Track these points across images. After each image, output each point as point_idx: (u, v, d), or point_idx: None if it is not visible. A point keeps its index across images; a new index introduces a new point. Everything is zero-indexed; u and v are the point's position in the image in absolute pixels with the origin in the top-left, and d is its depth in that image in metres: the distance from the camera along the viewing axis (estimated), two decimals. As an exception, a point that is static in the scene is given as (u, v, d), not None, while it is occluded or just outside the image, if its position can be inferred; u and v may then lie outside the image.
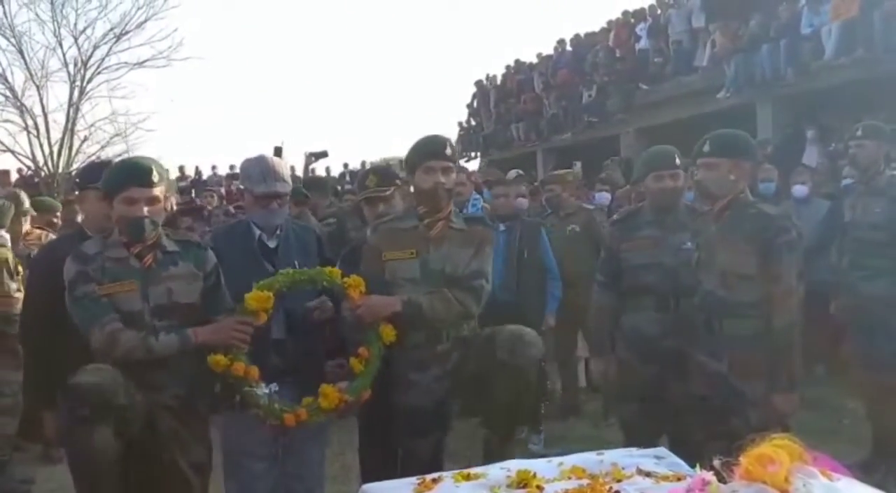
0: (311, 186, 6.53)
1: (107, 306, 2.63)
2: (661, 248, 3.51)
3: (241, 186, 3.32)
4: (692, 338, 3.30)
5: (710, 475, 1.31)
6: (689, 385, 3.29)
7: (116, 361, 2.55)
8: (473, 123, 21.46)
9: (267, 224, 3.05)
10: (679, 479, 1.71)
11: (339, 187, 13.41)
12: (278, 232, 3.08)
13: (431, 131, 3.30)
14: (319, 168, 14.79)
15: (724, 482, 1.30)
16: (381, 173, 3.53)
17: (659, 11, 14.87)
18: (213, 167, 19.38)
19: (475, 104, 21.60)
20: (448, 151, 3.06)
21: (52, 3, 15.74)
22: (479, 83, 21.50)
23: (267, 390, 2.79)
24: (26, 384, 3.25)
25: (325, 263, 3.10)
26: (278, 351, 2.98)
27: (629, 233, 3.62)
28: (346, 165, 19.68)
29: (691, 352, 3.29)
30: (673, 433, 3.48)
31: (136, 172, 2.67)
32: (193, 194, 13.89)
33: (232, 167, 16.94)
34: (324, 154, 11.85)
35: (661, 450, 1.95)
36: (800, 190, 6.17)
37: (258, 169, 3.04)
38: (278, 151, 12.85)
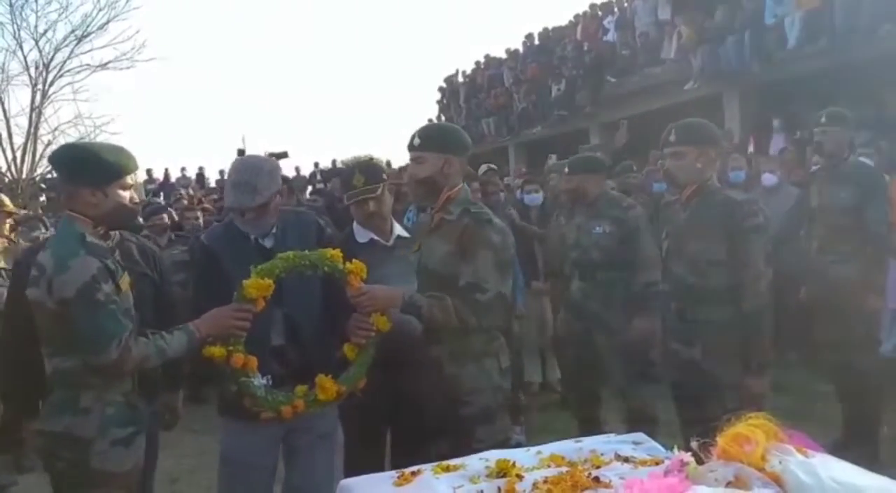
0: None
1: (129, 314, 2.41)
2: (582, 232, 4.47)
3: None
4: (606, 303, 4.37)
5: (687, 456, 1.32)
6: (611, 339, 4.33)
7: (123, 374, 2.39)
8: (444, 118, 21.48)
9: (250, 232, 2.89)
10: (657, 463, 1.72)
11: (311, 186, 13.35)
12: (273, 231, 2.93)
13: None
14: (287, 168, 14.66)
15: (702, 463, 1.31)
16: (368, 171, 3.26)
17: (626, 4, 15.00)
18: (183, 169, 19.22)
19: (445, 100, 21.62)
20: (416, 141, 2.89)
21: (10, 5, 15.43)
22: (448, 79, 21.54)
23: (264, 382, 2.68)
24: (6, 393, 3.19)
25: (326, 246, 2.88)
26: (278, 358, 2.83)
27: (568, 220, 4.64)
28: (316, 164, 19.61)
29: (606, 312, 4.35)
30: (599, 377, 4.50)
31: (132, 157, 2.52)
32: (162, 197, 13.75)
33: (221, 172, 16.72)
34: (284, 154, 11.82)
35: (640, 435, 1.96)
36: (769, 178, 6.26)
37: (231, 178, 2.87)
38: (241, 154, 12.78)
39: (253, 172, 2.80)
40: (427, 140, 2.86)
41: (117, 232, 3.07)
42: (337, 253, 2.73)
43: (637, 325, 4.27)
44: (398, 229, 3.35)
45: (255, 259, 2.75)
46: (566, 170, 4.68)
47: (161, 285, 3.32)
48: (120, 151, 2.50)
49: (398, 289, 2.78)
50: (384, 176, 3.33)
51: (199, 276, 3.05)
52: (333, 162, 18.64)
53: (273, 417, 2.67)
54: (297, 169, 17.38)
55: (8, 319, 3.11)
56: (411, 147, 2.90)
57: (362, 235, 3.29)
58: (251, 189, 2.76)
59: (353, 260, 2.72)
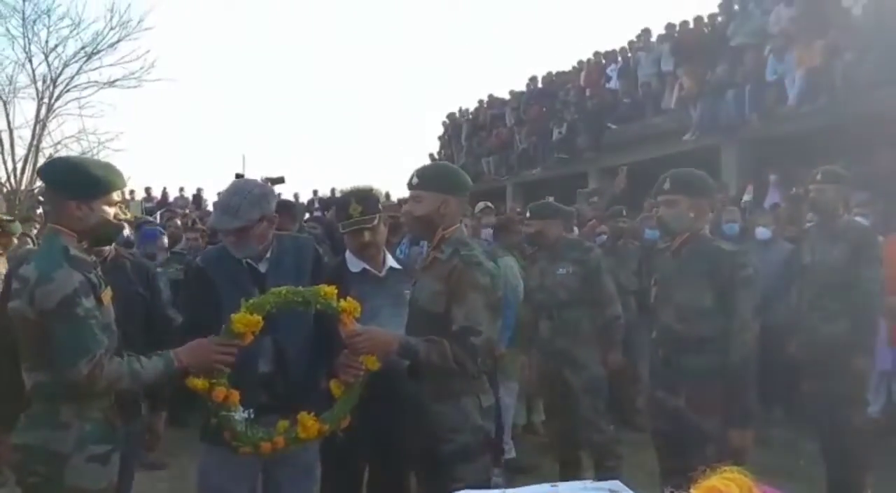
0: (278, 210, 6.52)
1: (107, 331, 2.38)
2: (545, 275, 4.70)
3: None
4: (575, 339, 4.58)
5: (660, 507, 1.29)
6: (579, 374, 4.53)
7: (93, 392, 2.33)
8: (445, 154, 21.60)
9: (240, 255, 2.81)
10: (631, 513, 1.69)
11: (308, 213, 13.37)
12: (268, 255, 2.85)
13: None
14: (285, 194, 14.70)
15: (674, 515, 1.28)
16: (365, 201, 3.25)
17: (629, 54, 15.19)
18: (181, 189, 19.24)
19: (447, 136, 21.76)
20: (414, 180, 2.91)
21: (23, 19, 15.63)
22: (451, 116, 21.70)
23: (245, 415, 2.58)
24: None
25: (320, 279, 2.84)
26: (264, 385, 2.75)
27: (531, 265, 5.00)
28: (315, 192, 19.66)
29: (574, 349, 4.56)
30: (574, 417, 4.58)
31: (120, 174, 2.53)
32: (159, 217, 13.74)
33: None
34: (280, 180, 11.80)
35: (616, 483, 1.93)
36: (762, 232, 6.28)
37: (218, 199, 2.85)
38: (238, 178, 12.80)
39: (238, 195, 2.76)
40: (426, 180, 2.88)
41: (112, 248, 3.09)
42: (331, 290, 2.65)
43: (611, 359, 4.69)
44: (390, 261, 3.36)
45: (247, 284, 2.74)
46: (527, 215, 5.01)
47: (153, 305, 3.29)
48: (108, 167, 2.53)
49: (393, 333, 2.75)
50: (380, 207, 3.33)
51: (191, 296, 3.01)
52: (332, 191, 18.70)
53: (251, 452, 2.60)
54: (297, 196, 17.43)
55: None
56: (410, 186, 2.93)
57: (355, 264, 3.29)
58: (232, 212, 2.72)
59: (348, 298, 2.65)
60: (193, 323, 2.73)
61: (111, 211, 2.45)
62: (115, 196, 2.47)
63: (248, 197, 2.75)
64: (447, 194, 2.85)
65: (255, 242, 2.80)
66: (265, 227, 2.81)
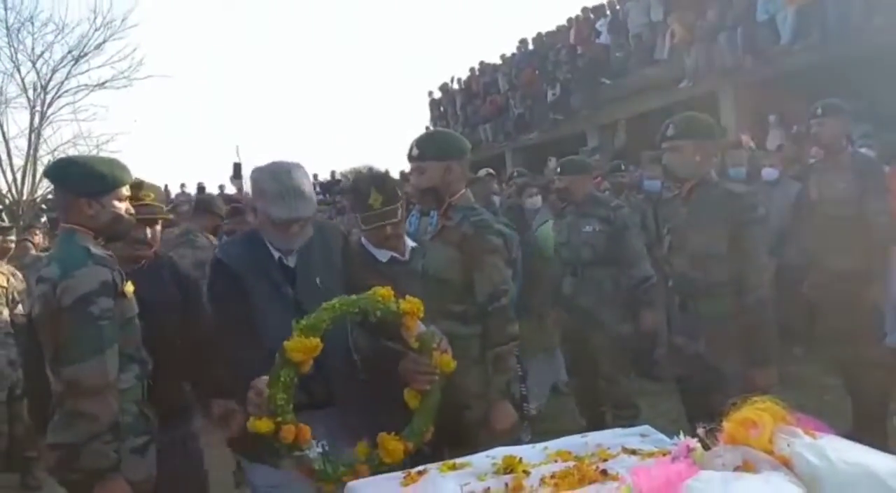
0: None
1: (128, 326, 2.37)
2: (572, 230, 4.64)
3: (254, 202, 2.51)
4: (598, 298, 4.49)
5: (693, 442, 1.31)
6: (601, 334, 4.46)
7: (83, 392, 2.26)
8: (440, 125, 21.50)
9: (286, 248, 2.51)
10: (664, 455, 1.70)
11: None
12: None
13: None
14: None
15: (709, 449, 1.30)
16: (386, 189, 2.88)
17: (618, 6, 15.03)
18: (182, 185, 19.23)
19: (442, 107, 21.66)
20: (415, 151, 2.91)
21: (7, 29, 15.47)
22: (444, 86, 21.58)
23: (319, 450, 2.21)
24: (30, 410, 3.16)
25: (351, 270, 2.61)
26: (304, 387, 2.39)
27: (559, 220, 4.89)
28: (315, 176, 19.63)
29: (596, 308, 4.48)
30: (595, 373, 4.55)
31: (126, 169, 2.51)
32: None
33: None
34: None
35: (646, 428, 1.95)
36: (769, 173, 6.24)
37: (275, 185, 2.38)
38: (237, 168, 12.73)
39: (296, 176, 2.41)
40: (426, 149, 2.88)
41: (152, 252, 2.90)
42: (388, 292, 2.30)
43: (646, 317, 4.62)
44: (408, 241, 3.11)
45: (279, 281, 2.49)
46: (558, 170, 4.91)
47: (190, 317, 2.87)
48: (113, 162, 2.52)
49: None
50: (399, 192, 3.01)
51: (218, 297, 2.61)
52: (332, 174, 18.69)
53: (335, 489, 2.21)
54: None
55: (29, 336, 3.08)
56: (411, 158, 2.93)
57: (382, 254, 2.99)
58: (302, 195, 2.38)
59: (407, 297, 2.33)
60: (223, 324, 2.48)
61: (122, 206, 2.45)
62: (124, 191, 2.46)
63: (307, 177, 2.48)
64: (450, 160, 2.85)
65: (309, 231, 2.52)
66: None
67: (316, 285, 2.52)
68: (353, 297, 2.27)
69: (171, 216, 2.59)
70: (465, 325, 2.83)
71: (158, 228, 2.85)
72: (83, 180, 2.40)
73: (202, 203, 5.87)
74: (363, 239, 3.00)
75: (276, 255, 2.52)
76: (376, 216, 2.86)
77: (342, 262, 2.62)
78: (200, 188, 17.60)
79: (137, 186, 2.64)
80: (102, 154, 14.86)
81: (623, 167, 7.16)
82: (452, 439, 2.75)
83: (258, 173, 2.45)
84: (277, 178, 2.39)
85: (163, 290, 2.82)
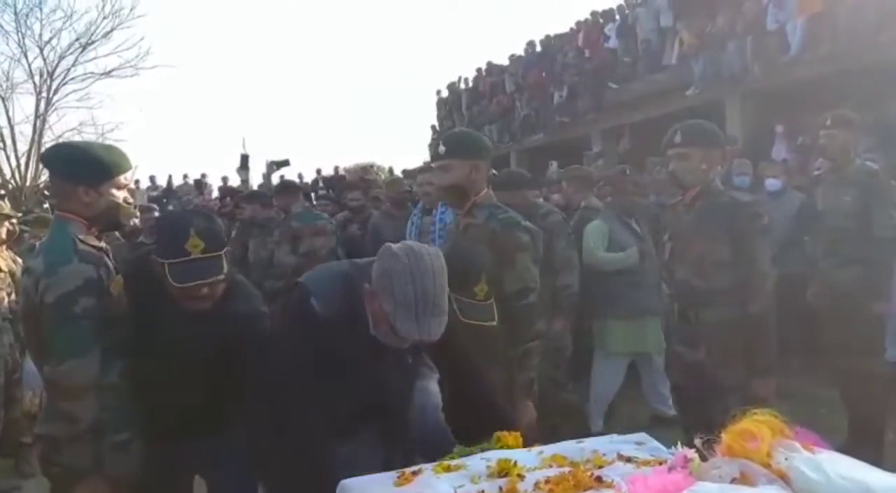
0: (281, 190, 6.67)
1: (114, 324, 2.27)
2: None
3: (381, 302, 1.99)
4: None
5: (691, 453, 1.30)
6: None
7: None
8: (445, 126, 21.49)
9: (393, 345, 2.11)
10: (661, 463, 1.70)
11: (312, 193, 13.33)
12: None
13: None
14: (290, 175, 14.62)
15: (706, 460, 1.29)
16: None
17: (627, 11, 15.01)
18: (185, 176, 19.21)
19: (447, 107, 21.66)
20: (441, 149, 2.97)
21: (15, 14, 15.55)
22: (451, 85, 21.57)
23: None
24: None
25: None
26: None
27: None
28: (318, 171, 19.59)
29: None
30: None
31: (126, 157, 2.43)
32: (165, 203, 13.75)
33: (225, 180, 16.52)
34: (285, 163, 11.78)
35: (643, 435, 1.93)
36: (772, 183, 6.24)
37: (411, 292, 1.93)
38: (245, 160, 12.72)
39: (440, 285, 1.98)
40: (453, 147, 2.94)
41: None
42: (516, 440, 1.98)
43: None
44: None
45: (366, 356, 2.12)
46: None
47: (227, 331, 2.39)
48: (112, 149, 2.46)
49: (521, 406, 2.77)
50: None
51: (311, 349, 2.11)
52: (336, 169, 18.65)
53: None
54: (301, 176, 17.38)
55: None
56: (437, 156, 3.00)
57: None
58: (441, 313, 1.98)
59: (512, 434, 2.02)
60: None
61: (120, 195, 2.39)
62: (123, 179, 2.40)
63: (445, 286, 2.03)
64: (476, 159, 2.91)
65: None
66: None
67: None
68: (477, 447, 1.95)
69: (221, 278, 2.28)
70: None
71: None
72: (80, 168, 2.33)
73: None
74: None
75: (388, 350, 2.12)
76: (475, 309, 2.51)
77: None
78: (199, 183, 17.54)
79: (184, 236, 2.26)
80: (107, 143, 14.90)
81: (627, 172, 7.14)
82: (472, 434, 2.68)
83: (393, 262, 1.96)
84: (421, 281, 1.94)
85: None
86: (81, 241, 2.30)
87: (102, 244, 2.44)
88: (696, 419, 3.22)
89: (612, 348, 4.94)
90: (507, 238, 2.80)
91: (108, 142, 15.02)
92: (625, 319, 4.85)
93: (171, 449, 2.42)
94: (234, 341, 2.35)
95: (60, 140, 15.29)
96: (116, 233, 5.19)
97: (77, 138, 15.39)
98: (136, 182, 16.01)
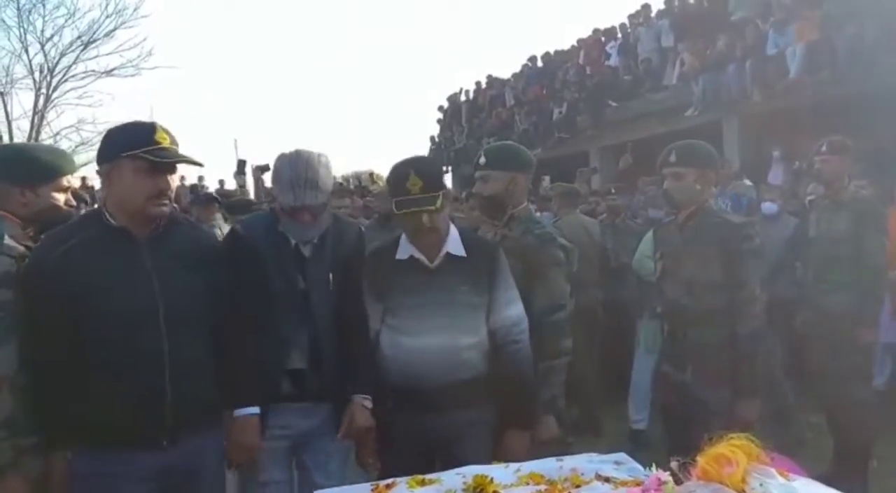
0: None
1: (15, 329, 2.18)
2: None
3: (276, 194, 2.58)
4: None
5: (665, 475, 1.28)
6: None
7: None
8: (444, 137, 21.55)
9: (300, 237, 2.53)
10: (638, 484, 1.68)
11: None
12: (315, 240, 2.56)
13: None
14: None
15: (681, 483, 1.27)
16: (426, 174, 2.59)
17: (629, 30, 15.09)
18: (182, 178, 19.13)
19: (447, 118, 21.71)
20: (482, 160, 3.01)
21: (18, 9, 15.55)
22: (451, 97, 21.63)
23: None
24: None
25: (357, 268, 2.63)
26: (293, 381, 2.52)
27: None
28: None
29: None
30: None
31: (70, 160, 2.49)
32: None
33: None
34: (267, 167, 11.83)
35: (622, 455, 1.91)
36: (769, 207, 6.22)
37: (289, 173, 2.45)
38: (241, 165, 12.73)
39: (311, 166, 2.45)
40: (494, 159, 2.99)
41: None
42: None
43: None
44: (452, 247, 2.65)
45: (292, 268, 2.51)
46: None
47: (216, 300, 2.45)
48: (56, 151, 2.52)
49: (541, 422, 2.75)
50: (445, 184, 2.75)
51: (237, 270, 2.47)
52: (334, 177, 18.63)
53: None
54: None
55: None
56: (478, 166, 3.02)
57: (404, 250, 2.67)
58: (313, 185, 2.44)
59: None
60: (240, 297, 2.43)
61: (60, 197, 2.42)
62: (65, 182, 2.43)
63: (322, 167, 2.48)
64: (516, 172, 2.96)
65: (323, 222, 2.54)
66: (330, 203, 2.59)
67: (327, 280, 2.57)
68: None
69: (200, 162, 2.39)
70: None
71: (176, 178, 2.32)
72: (19, 169, 2.37)
73: None
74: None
75: (293, 241, 2.54)
76: (410, 202, 2.51)
77: (350, 259, 2.62)
78: (196, 183, 17.46)
79: (150, 129, 2.28)
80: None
81: (613, 191, 7.22)
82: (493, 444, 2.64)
83: (279, 160, 2.52)
84: (293, 165, 2.46)
85: (176, 263, 2.32)
86: (12, 237, 2.29)
87: (30, 244, 2.39)
88: (681, 440, 3.21)
89: (649, 344, 5.15)
90: (542, 253, 2.83)
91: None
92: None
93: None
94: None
95: (58, 137, 15.33)
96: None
97: (74, 136, 15.40)
98: (182, 179, 15.76)
